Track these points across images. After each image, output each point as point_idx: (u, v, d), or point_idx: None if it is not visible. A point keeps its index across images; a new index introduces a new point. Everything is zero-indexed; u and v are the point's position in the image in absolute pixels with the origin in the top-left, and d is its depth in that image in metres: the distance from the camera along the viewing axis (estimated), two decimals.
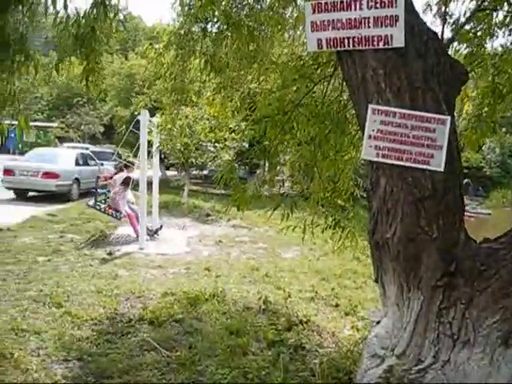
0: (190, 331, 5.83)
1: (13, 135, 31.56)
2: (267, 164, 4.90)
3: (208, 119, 15.42)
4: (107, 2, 4.40)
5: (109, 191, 11.73)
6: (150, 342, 5.41)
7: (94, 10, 4.41)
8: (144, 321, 6.06)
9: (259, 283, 8.08)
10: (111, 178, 11.97)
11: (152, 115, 11.82)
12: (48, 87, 44.84)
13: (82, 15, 4.45)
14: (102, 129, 43.33)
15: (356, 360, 4.84)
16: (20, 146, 37.88)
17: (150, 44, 6.89)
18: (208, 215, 16.47)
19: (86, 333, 5.62)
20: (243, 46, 5.55)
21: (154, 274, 8.45)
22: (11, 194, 17.62)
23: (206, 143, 18.34)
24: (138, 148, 10.99)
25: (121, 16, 4.75)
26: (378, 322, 2.96)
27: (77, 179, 18.46)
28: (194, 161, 19.70)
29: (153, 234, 11.88)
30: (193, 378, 4.75)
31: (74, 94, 44.02)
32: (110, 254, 9.83)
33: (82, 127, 43.35)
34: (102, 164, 21.27)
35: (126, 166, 12.18)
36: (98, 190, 11.65)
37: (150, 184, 11.66)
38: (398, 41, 2.64)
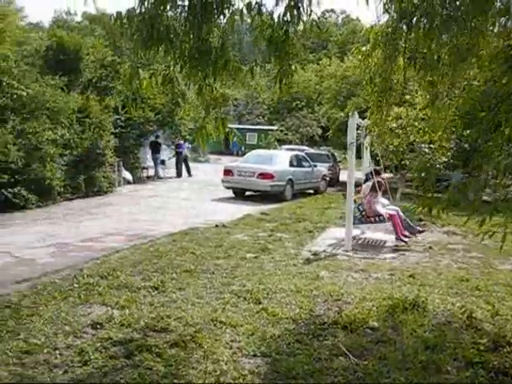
0: (383, 340, 5.56)
1: (235, 138, 33.98)
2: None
3: (424, 119, 14.79)
4: (300, 6, 4.39)
5: (360, 204, 11.84)
6: (340, 348, 5.28)
7: (287, 14, 4.44)
8: (338, 325, 5.94)
9: (466, 296, 7.42)
10: (359, 192, 12.22)
11: (363, 117, 11.73)
12: (270, 92, 47.34)
13: (275, 20, 4.53)
14: (319, 131, 44.35)
15: None
16: (243, 148, 40.76)
17: (357, 47, 6.81)
18: (420, 220, 15.76)
19: (278, 331, 5.70)
20: (451, 38, 5.18)
21: (355, 278, 8.31)
22: (231, 193, 18.92)
23: (420, 145, 17.67)
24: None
25: (315, 18, 4.71)
26: None
27: (290, 180, 19.09)
28: (407, 163, 19.11)
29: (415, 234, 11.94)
30: None
31: (293, 97, 45.81)
32: (315, 254, 9.93)
33: (300, 129, 44.89)
34: (316, 166, 21.67)
35: (377, 173, 12.18)
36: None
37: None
38: None
